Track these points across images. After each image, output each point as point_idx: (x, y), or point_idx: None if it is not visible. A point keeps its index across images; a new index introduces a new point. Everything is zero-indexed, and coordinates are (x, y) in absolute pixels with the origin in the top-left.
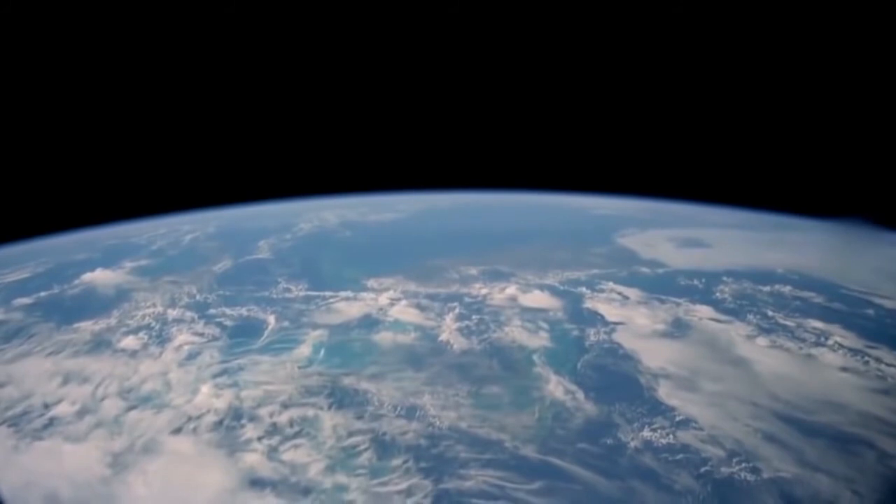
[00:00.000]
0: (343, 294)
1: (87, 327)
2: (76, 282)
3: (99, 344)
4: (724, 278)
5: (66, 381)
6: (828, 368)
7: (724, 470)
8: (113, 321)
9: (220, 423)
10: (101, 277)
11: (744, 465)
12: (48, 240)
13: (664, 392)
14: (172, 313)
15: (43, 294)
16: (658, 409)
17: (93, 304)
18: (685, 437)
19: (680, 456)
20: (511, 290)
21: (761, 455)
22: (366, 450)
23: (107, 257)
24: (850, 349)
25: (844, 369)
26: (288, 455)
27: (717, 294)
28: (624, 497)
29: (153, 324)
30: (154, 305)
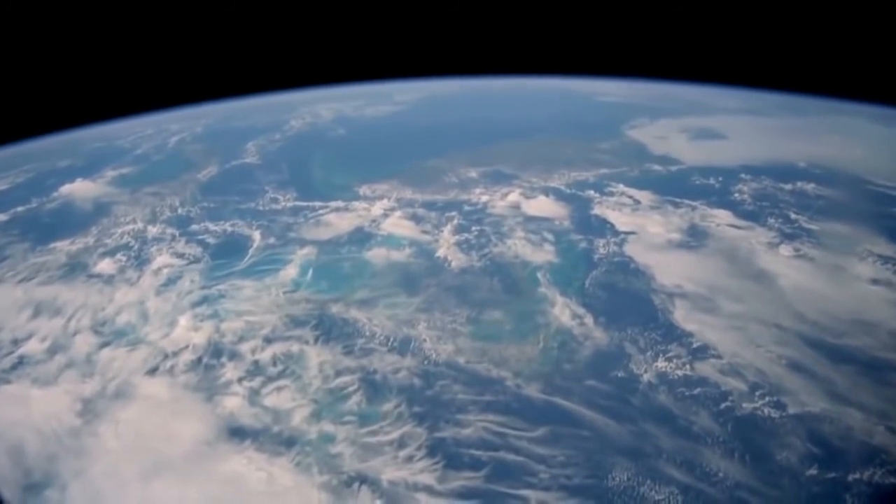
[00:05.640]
0: (333, 204)
1: (63, 247)
2: (55, 194)
3: (74, 268)
4: (742, 175)
5: (38, 312)
6: (857, 281)
7: (746, 406)
8: (90, 240)
9: (198, 361)
10: (80, 189)
11: (767, 399)
12: (34, 142)
13: (680, 315)
14: (153, 230)
15: (20, 209)
16: (673, 334)
17: (70, 220)
18: (703, 368)
19: (697, 390)
20: (514, 195)
21: (786, 387)
22: (355, 391)
23: (89, 164)
24: (881, 256)
25: (875, 281)
26: (270, 399)
27: (736, 195)
28: (636, 443)
29: (132, 243)
30: (134, 221)
